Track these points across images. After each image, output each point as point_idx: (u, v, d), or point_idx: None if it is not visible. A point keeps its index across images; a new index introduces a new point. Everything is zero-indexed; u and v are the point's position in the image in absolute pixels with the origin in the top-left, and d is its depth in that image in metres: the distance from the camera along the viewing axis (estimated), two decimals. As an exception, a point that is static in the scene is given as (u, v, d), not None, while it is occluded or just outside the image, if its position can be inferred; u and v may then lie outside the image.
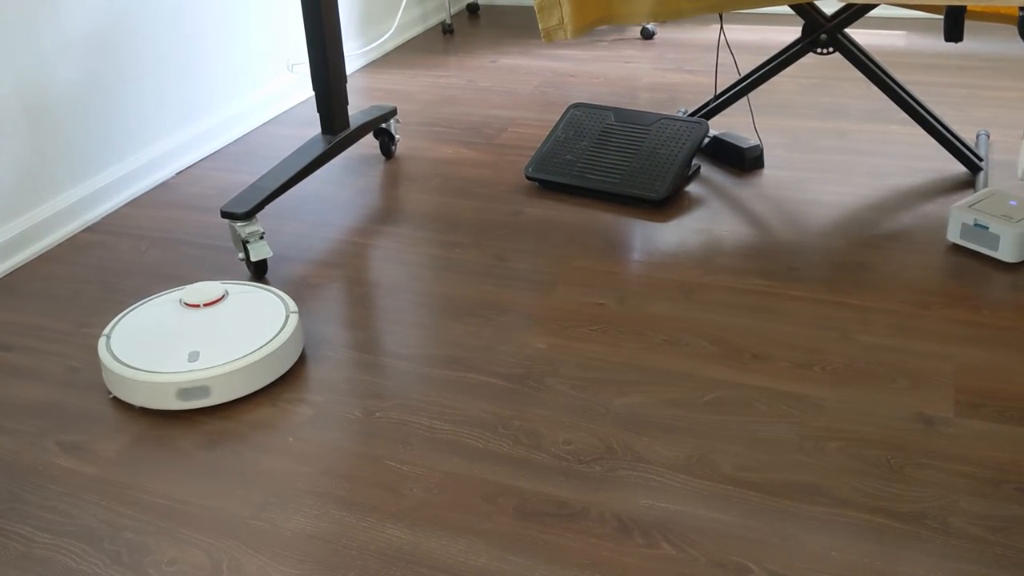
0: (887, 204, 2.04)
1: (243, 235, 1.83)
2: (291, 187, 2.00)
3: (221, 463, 1.37)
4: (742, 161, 2.23)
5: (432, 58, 3.24)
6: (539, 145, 2.35)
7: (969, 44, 3.07)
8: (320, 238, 2.01)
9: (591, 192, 2.14)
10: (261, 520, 1.26)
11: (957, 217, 1.83)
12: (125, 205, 2.21)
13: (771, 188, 2.14)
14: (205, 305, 1.59)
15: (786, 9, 3.51)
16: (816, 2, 2.13)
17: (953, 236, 1.85)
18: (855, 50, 2.11)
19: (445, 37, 3.49)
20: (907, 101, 2.11)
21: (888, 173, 2.18)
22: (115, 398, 1.51)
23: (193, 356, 1.48)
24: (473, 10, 3.84)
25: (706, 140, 2.30)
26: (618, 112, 2.25)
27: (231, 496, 1.30)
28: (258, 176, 2.18)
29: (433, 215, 2.09)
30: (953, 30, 1.97)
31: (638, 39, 3.36)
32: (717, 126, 2.46)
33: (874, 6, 2.01)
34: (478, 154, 2.41)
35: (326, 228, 2.05)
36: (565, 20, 1.93)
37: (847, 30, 2.51)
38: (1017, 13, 1.93)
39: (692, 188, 2.16)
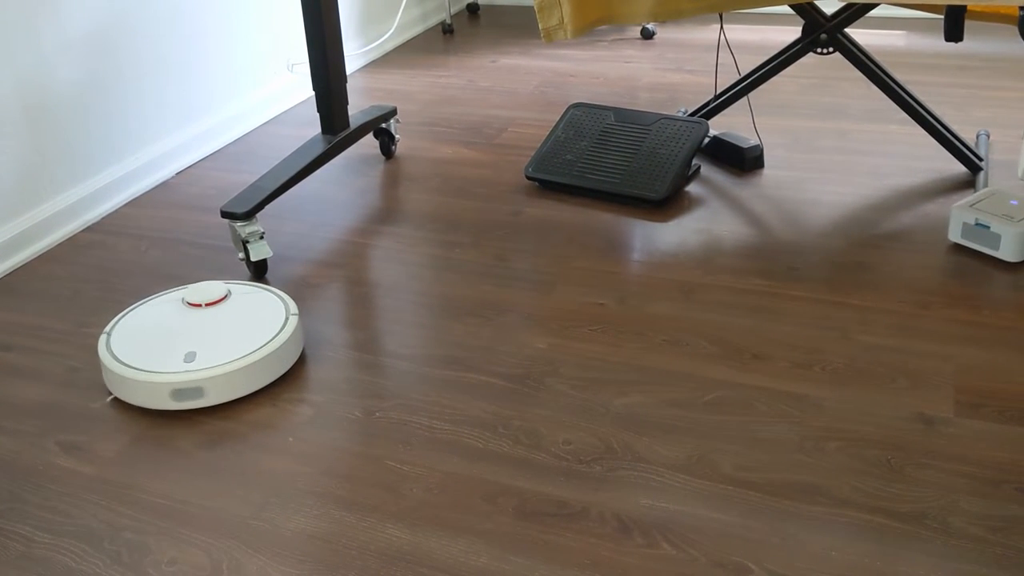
0: (887, 204, 2.04)
1: (243, 235, 1.83)
2: (291, 187, 2.00)
3: (221, 463, 1.37)
4: (742, 161, 2.23)
5: (432, 58, 3.24)
6: (539, 145, 2.35)
7: (969, 44, 3.07)
8: (320, 238, 2.01)
9: (591, 192, 2.14)
10: (261, 520, 1.26)
11: (958, 217, 1.83)
12: (125, 205, 2.21)
13: (771, 188, 2.14)
14: (207, 305, 1.59)
15: (786, 9, 3.51)
16: (816, 2, 2.13)
17: (954, 236, 1.85)
18: (855, 50, 2.11)
19: (445, 37, 3.49)
20: (907, 101, 2.11)
21: (888, 173, 2.18)
22: (114, 399, 1.51)
23: (189, 356, 1.48)
24: (473, 10, 3.84)
25: (706, 140, 2.30)
26: (618, 112, 2.25)
27: (231, 496, 1.30)
28: (258, 176, 2.18)
29: (433, 215, 2.09)
30: (953, 30, 1.97)
31: (638, 39, 3.36)
32: (717, 126, 2.46)
33: (874, 6, 2.01)
34: (478, 154, 2.41)
35: (326, 228, 2.05)
36: (565, 20, 1.93)
37: (847, 30, 2.51)
38: (1017, 13, 1.93)
39: (692, 188, 2.16)
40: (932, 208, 2.01)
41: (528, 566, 1.16)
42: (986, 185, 2.08)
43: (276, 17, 2.72)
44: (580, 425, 1.41)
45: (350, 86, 2.94)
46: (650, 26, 3.38)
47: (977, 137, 2.30)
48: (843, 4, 2.05)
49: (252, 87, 2.65)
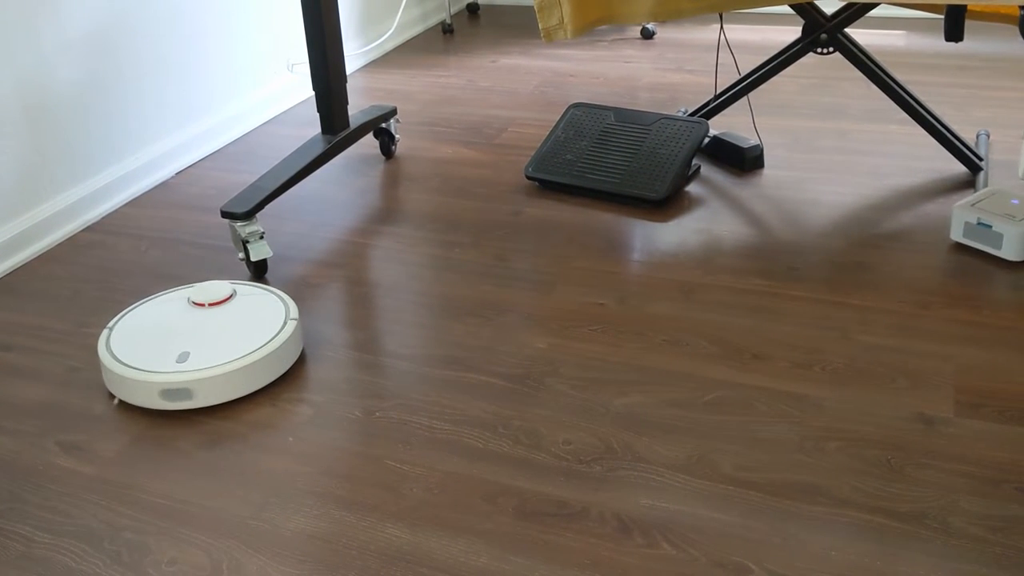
0: (887, 204, 2.04)
1: (243, 235, 1.83)
2: (291, 187, 2.00)
3: (221, 463, 1.37)
4: (742, 161, 2.23)
5: (432, 58, 3.24)
6: (539, 145, 2.35)
7: (969, 44, 3.07)
8: (320, 238, 2.01)
9: (591, 192, 2.14)
10: (261, 520, 1.26)
11: (960, 216, 1.83)
12: (125, 205, 2.21)
13: (771, 188, 2.14)
14: (210, 305, 1.59)
15: (786, 9, 3.51)
16: (816, 2, 2.13)
17: (956, 235, 1.85)
18: (855, 50, 2.11)
19: (445, 37, 3.49)
20: (907, 101, 2.11)
21: (888, 173, 2.18)
22: (120, 402, 1.52)
23: (182, 357, 1.48)
24: (473, 10, 3.84)
25: (706, 140, 2.30)
26: (618, 112, 2.25)
27: (231, 496, 1.30)
28: (258, 176, 2.18)
29: (433, 215, 2.09)
30: (953, 30, 1.97)
31: (638, 39, 3.36)
32: (717, 126, 2.46)
33: (874, 6, 2.01)
34: (478, 154, 2.41)
35: (326, 228, 2.05)
36: (565, 20, 1.93)
37: (847, 30, 2.51)
38: (1017, 13, 1.93)
39: (692, 188, 2.16)
40: (932, 208, 2.01)
41: (528, 566, 1.16)
42: (986, 185, 2.08)
43: (276, 17, 2.72)
44: (580, 425, 1.41)
45: (350, 86, 2.94)
46: (650, 26, 3.38)
47: (977, 137, 2.30)
48: (843, 4, 2.05)
49: (252, 87, 2.65)
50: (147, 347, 1.51)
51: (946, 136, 2.12)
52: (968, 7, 1.97)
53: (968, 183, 2.11)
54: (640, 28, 3.41)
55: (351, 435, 1.41)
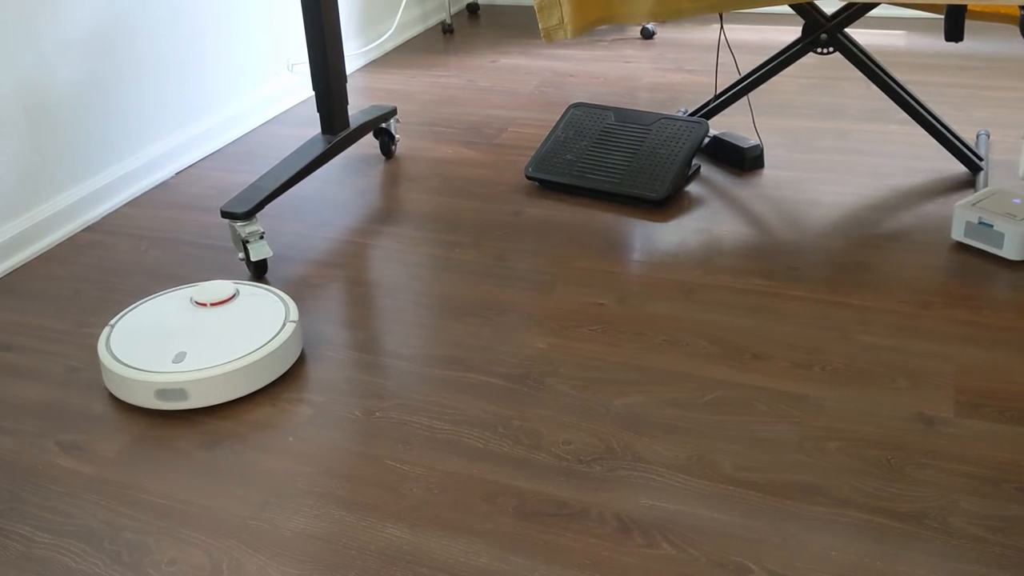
0: (887, 204, 2.04)
1: (243, 235, 1.83)
2: (291, 187, 2.00)
3: (221, 463, 1.37)
4: (742, 161, 2.23)
5: (432, 58, 3.24)
6: (539, 145, 2.34)
7: (969, 44, 3.07)
8: (320, 238, 2.01)
9: (591, 192, 2.14)
10: (261, 520, 1.26)
11: (961, 215, 1.83)
12: (125, 205, 2.21)
13: (771, 188, 2.14)
14: (212, 305, 1.59)
15: (786, 9, 3.51)
16: (816, 2, 2.13)
17: (957, 234, 1.85)
18: (855, 50, 2.11)
19: (445, 37, 3.49)
20: (907, 101, 2.11)
21: (888, 173, 2.18)
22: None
23: (179, 357, 1.48)
24: (473, 10, 3.84)
25: (706, 140, 2.30)
26: (618, 112, 2.25)
27: (231, 496, 1.30)
28: (258, 176, 2.18)
29: (433, 215, 2.09)
30: (953, 30, 1.97)
31: (638, 39, 3.36)
32: (717, 126, 2.46)
33: (874, 6, 2.01)
34: (478, 154, 2.41)
35: (326, 228, 2.06)
36: (565, 20, 1.93)
37: (847, 30, 2.51)
38: (1017, 13, 1.93)
39: (692, 188, 2.16)
40: (932, 208, 2.01)
41: (528, 566, 1.16)
42: (986, 185, 2.08)
43: (276, 17, 2.72)
44: (580, 425, 1.41)
45: (350, 86, 2.94)
46: (650, 26, 3.38)
47: (977, 137, 2.30)
48: (843, 4, 2.05)
49: (252, 87, 2.65)
50: (146, 346, 1.51)
51: (946, 136, 2.12)
52: (968, 7, 1.97)
53: (968, 183, 2.11)
54: (640, 28, 3.42)
55: (351, 435, 1.41)
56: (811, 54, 2.69)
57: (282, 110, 2.77)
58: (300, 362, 1.59)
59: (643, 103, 2.70)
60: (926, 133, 2.16)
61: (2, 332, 1.72)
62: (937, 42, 3.12)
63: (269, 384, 1.53)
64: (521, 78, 2.98)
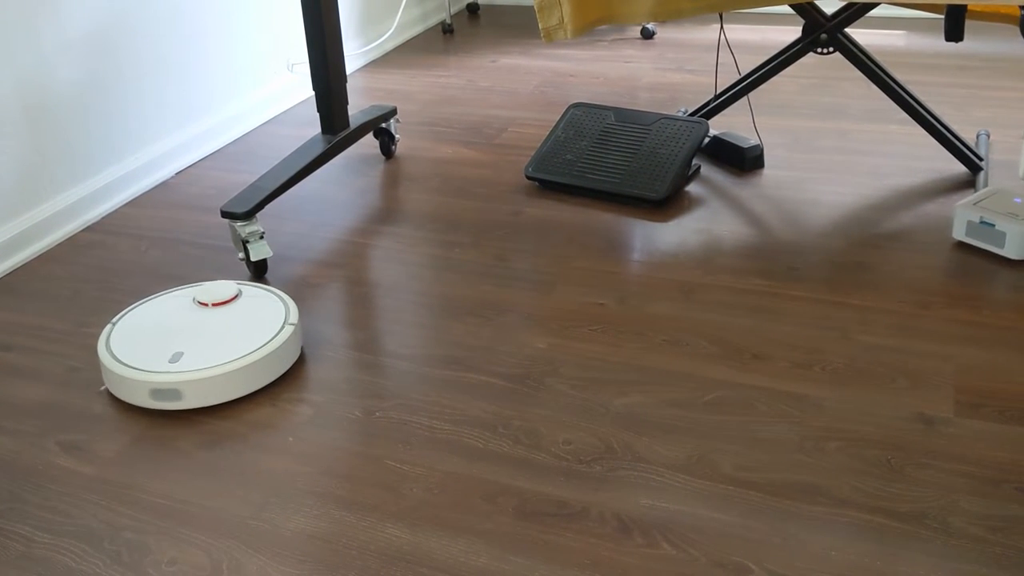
0: (887, 204, 2.04)
1: (243, 235, 1.83)
2: (291, 187, 2.00)
3: (221, 463, 1.37)
4: (742, 161, 2.23)
5: (432, 58, 3.24)
6: (539, 145, 2.35)
7: (969, 44, 3.07)
8: (320, 238, 2.01)
9: (591, 192, 2.14)
10: (261, 520, 1.26)
11: (963, 215, 1.83)
12: (125, 205, 2.21)
13: (771, 188, 2.14)
14: (213, 305, 1.59)
15: (786, 9, 3.51)
16: (816, 2, 2.13)
17: (958, 234, 1.85)
18: (855, 50, 2.11)
19: (445, 37, 3.49)
20: (907, 101, 2.11)
21: (888, 173, 2.18)
22: (106, 389, 1.52)
23: (175, 357, 1.48)
24: (473, 10, 3.84)
25: (706, 140, 2.30)
26: (618, 112, 2.25)
27: (231, 496, 1.30)
28: (258, 176, 2.18)
29: (433, 215, 2.09)
30: (953, 30, 1.97)
31: (638, 39, 3.36)
32: (717, 126, 2.46)
33: (874, 5, 2.01)
34: (478, 154, 2.41)
35: (326, 228, 2.06)
36: (565, 20, 1.93)
37: (847, 30, 2.50)
38: (1018, 13, 1.93)
39: (692, 188, 2.16)
40: (932, 208, 2.01)
41: (528, 566, 1.16)
42: (986, 185, 2.08)
43: (276, 17, 2.72)
44: (580, 425, 1.41)
45: (350, 86, 2.94)
46: (650, 26, 3.38)
47: (977, 137, 2.30)
48: (843, 4, 2.05)
49: (252, 87, 2.65)
50: (145, 346, 1.51)
51: (946, 136, 2.12)
52: (968, 7, 1.97)
53: (968, 183, 2.11)
54: (640, 28, 3.41)
55: (351, 435, 1.41)
56: (811, 54, 2.69)
57: (282, 110, 2.77)
58: (300, 362, 1.59)
59: (643, 103, 2.70)
60: (926, 133, 2.16)
61: (2, 332, 1.72)
62: (937, 42, 3.12)
63: (269, 384, 1.53)
64: (521, 78, 2.98)
